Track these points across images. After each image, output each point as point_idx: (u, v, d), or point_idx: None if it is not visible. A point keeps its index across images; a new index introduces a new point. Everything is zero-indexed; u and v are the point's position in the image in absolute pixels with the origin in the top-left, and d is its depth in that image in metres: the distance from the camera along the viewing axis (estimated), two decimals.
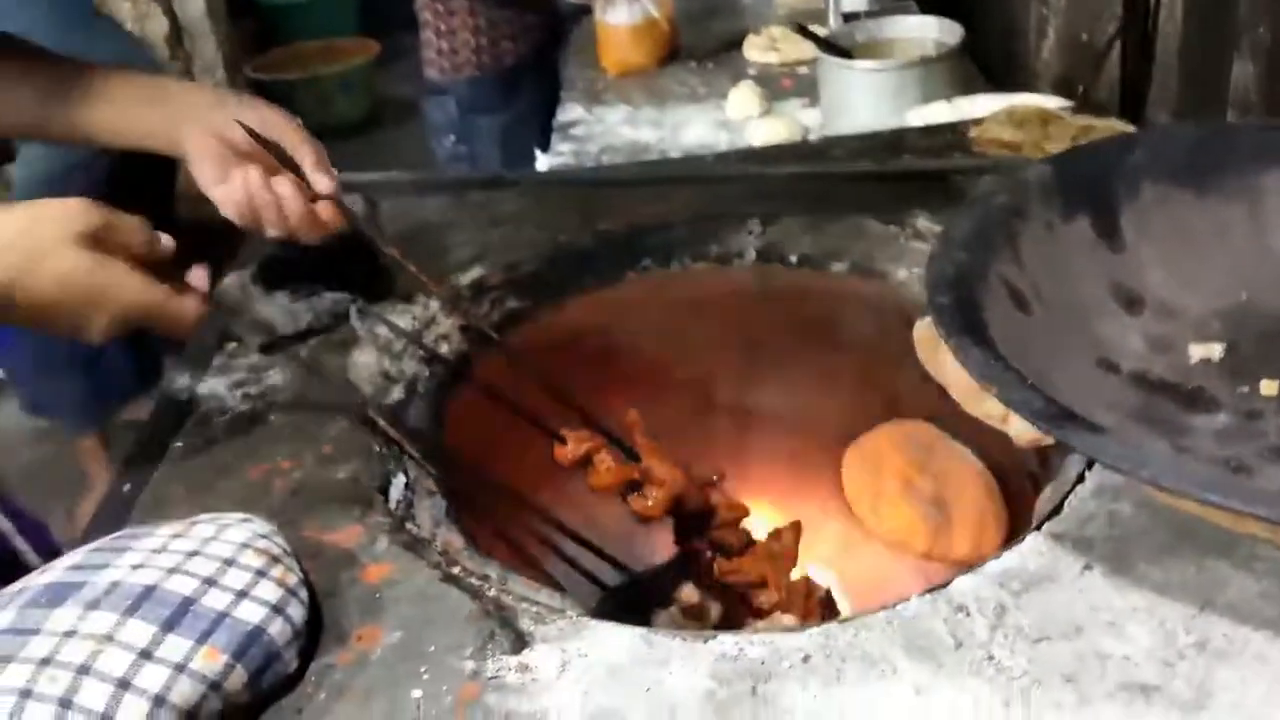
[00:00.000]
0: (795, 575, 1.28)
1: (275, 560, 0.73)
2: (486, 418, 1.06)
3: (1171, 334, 0.92)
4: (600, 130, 2.00)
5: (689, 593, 1.14)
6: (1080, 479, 0.85)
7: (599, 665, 0.71)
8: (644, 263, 1.20)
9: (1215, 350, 0.90)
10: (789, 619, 1.17)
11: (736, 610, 1.18)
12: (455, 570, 0.80)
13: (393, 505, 0.88)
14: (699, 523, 1.18)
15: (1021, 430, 1.24)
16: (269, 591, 0.70)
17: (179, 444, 0.96)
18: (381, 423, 0.89)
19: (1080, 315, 0.91)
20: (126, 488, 0.92)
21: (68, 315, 0.81)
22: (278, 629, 0.69)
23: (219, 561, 0.71)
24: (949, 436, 1.37)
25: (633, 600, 1.11)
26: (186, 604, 0.68)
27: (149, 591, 0.68)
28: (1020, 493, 1.30)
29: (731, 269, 1.20)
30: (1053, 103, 1.58)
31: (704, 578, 1.18)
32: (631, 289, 1.20)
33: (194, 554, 0.71)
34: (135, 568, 0.70)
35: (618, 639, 0.73)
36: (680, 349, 1.28)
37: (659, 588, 1.14)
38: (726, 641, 0.73)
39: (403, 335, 1.01)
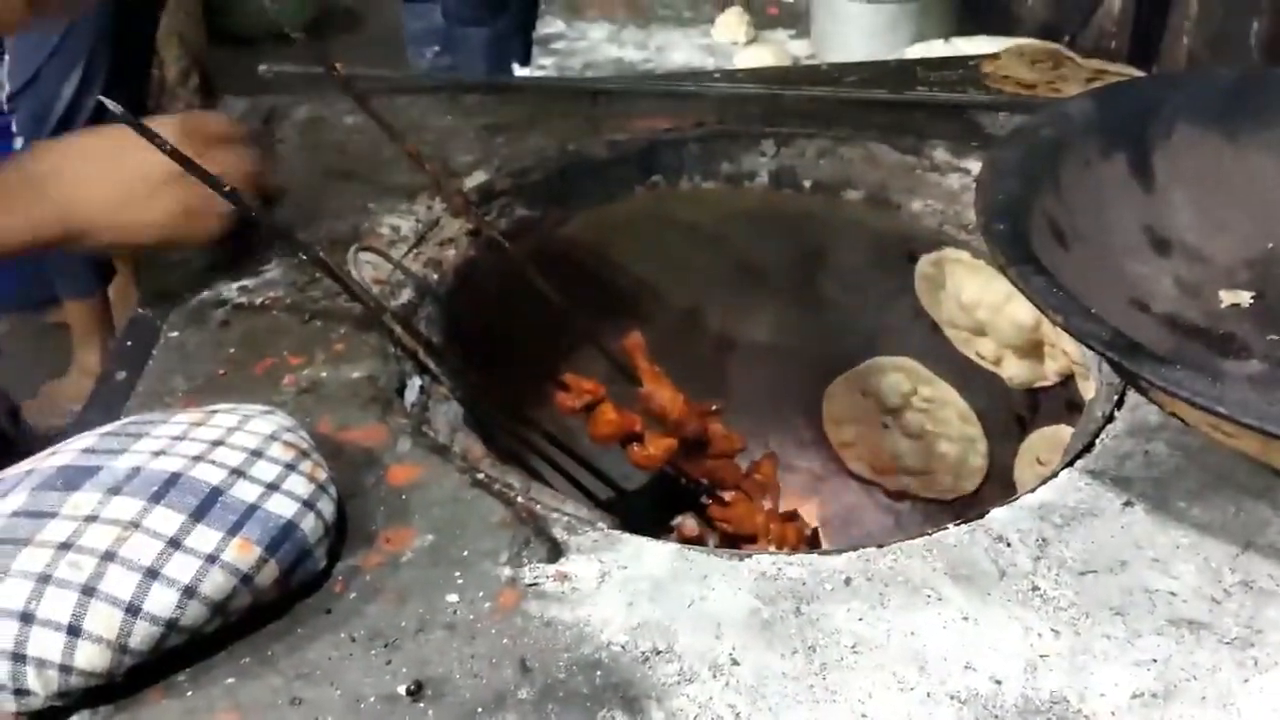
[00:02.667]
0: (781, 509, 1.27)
1: (304, 454, 0.69)
2: (490, 329, 1.03)
3: (1201, 279, 0.91)
4: (583, 46, 1.95)
5: (689, 526, 1.12)
6: (1110, 418, 0.84)
7: (640, 578, 0.69)
8: (654, 178, 1.16)
9: (1244, 297, 0.90)
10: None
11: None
12: (480, 475, 0.77)
13: (408, 408, 0.84)
14: (695, 450, 1.16)
15: (1014, 373, 1.25)
16: (300, 486, 0.67)
17: (174, 334, 0.91)
18: (398, 330, 0.85)
19: (1114, 254, 0.90)
20: (121, 375, 0.87)
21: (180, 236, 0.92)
22: (309, 525, 0.66)
23: (245, 452, 0.67)
24: (935, 376, 1.37)
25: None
26: (215, 494, 0.64)
27: (174, 479, 0.64)
28: (1004, 434, 1.31)
29: (742, 190, 1.17)
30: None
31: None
32: (638, 205, 1.17)
33: (218, 443, 0.67)
34: (156, 454, 0.66)
35: (654, 553, 0.71)
36: (678, 272, 1.25)
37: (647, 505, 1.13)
38: (764, 561, 0.71)
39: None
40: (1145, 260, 0.92)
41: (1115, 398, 0.86)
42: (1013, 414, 1.29)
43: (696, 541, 1.12)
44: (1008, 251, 0.75)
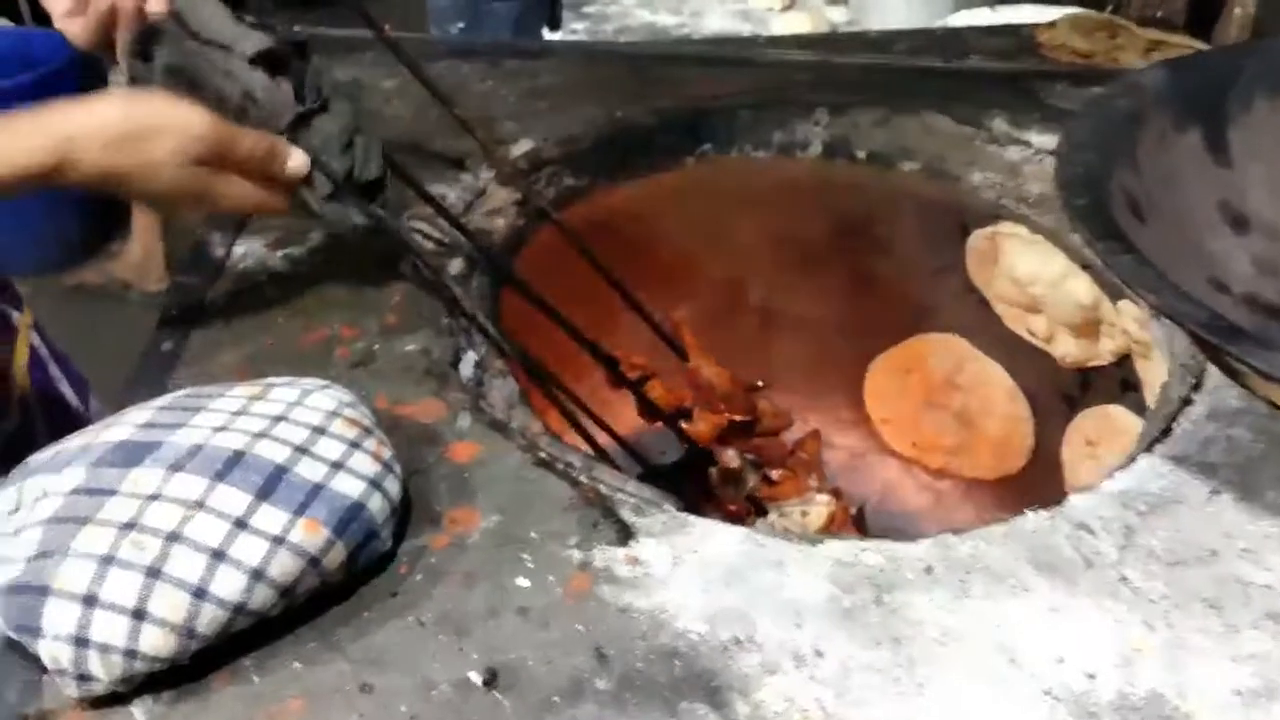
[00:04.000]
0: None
1: (367, 431, 0.67)
2: (536, 299, 1.00)
3: (1278, 258, 0.88)
4: (615, 10, 1.91)
5: (729, 457, 1.10)
6: (1187, 401, 0.81)
7: (714, 564, 0.66)
8: (705, 147, 1.13)
9: None
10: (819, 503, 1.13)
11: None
12: (542, 453, 0.74)
13: (464, 383, 0.82)
14: (741, 427, 1.14)
15: (1067, 351, 1.22)
16: (365, 465, 0.64)
17: (219, 305, 0.89)
18: (458, 292, 0.83)
19: (1191, 230, 0.87)
20: (167, 346, 0.84)
21: (170, 208, 0.80)
22: (376, 505, 0.64)
23: (308, 429, 0.65)
24: (981, 353, 1.35)
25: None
26: (280, 472, 0.61)
27: (238, 457, 0.62)
28: (1052, 414, 1.28)
29: (793, 160, 1.14)
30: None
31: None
32: (687, 175, 1.14)
33: (280, 419, 0.65)
34: (217, 430, 0.63)
35: (725, 537, 0.69)
36: (723, 244, 1.22)
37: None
38: (839, 547, 0.69)
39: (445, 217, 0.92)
40: (1222, 237, 0.88)
41: (1192, 380, 0.83)
42: (1061, 393, 1.26)
43: (736, 474, 1.10)
44: (1092, 227, 0.72)
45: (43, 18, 0.92)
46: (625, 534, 0.68)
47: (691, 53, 1.16)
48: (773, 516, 1.09)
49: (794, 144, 1.14)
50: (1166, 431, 0.79)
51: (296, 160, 0.81)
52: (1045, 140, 1.08)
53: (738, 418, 1.13)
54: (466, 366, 0.83)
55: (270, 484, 0.61)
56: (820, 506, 1.09)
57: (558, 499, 0.70)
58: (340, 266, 0.91)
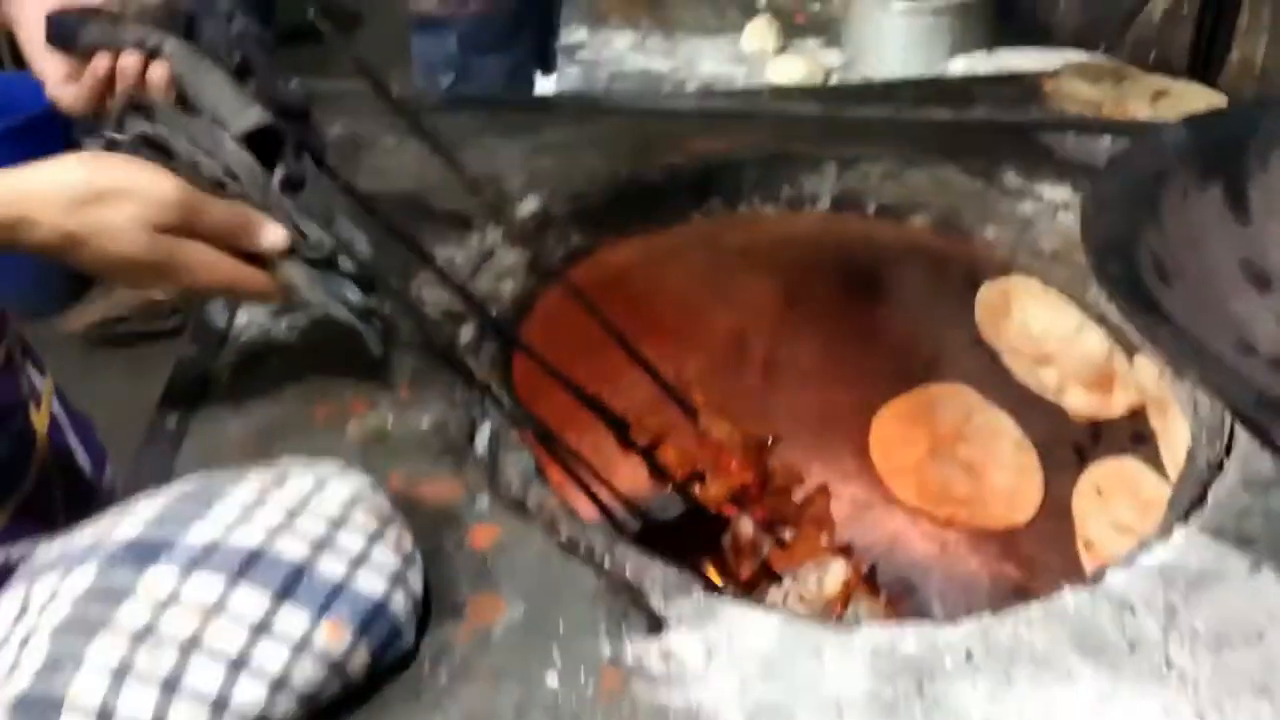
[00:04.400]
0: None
1: (388, 522, 0.64)
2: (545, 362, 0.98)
3: None
4: (608, 55, 1.90)
5: (745, 526, 1.08)
6: (1219, 467, 0.80)
7: (748, 654, 0.64)
8: (712, 202, 1.11)
9: None
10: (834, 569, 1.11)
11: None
12: (563, 535, 0.72)
13: (478, 458, 0.79)
14: (752, 488, 1.12)
15: (1079, 404, 1.21)
16: (387, 559, 0.62)
17: (225, 378, 0.86)
18: (470, 363, 0.80)
19: (1215, 290, 0.86)
20: (173, 424, 0.82)
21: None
22: (399, 603, 0.61)
23: (327, 522, 0.62)
24: (990, 404, 1.33)
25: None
26: (299, 572, 0.59)
27: (255, 555, 0.59)
28: (1062, 465, 1.26)
29: (802, 215, 1.12)
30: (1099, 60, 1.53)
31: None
32: (693, 231, 1.12)
33: (297, 510, 0.62)
34: (232, 526, 0.61)
35: (760, 624, 0.67)
36: (734, 297, 1.20)
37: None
38: (876, 633, 0.67)
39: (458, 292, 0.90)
40: (1246, 296, 0.87)
41: (1221, 445, 0.82)
42: (1071, 444, 1.24)
43: (752, 545, 1.08)
44: (1128, 298, 0.71)
45: (21, 60, 0.89)
46: (656, 624, 0.65)
47: (696, 107, 1.14)
48: (788, 583, 1.07)
49: (802, 198, 1.12)
50: (1200, 500, 0.77)
51: (274, 234, 0.77)
52: (1057, 194, 1.07)
53: (749, 479, 1.11)
54: (481, 440, 0.80)
55: (290, 584, 0.58)
56: (835, 571, 1.07)
57: (584, 586, 0.67)
58: (347, 334, 0.89)
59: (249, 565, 0.59)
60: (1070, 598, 0.70)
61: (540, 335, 1.00)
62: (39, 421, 0.95)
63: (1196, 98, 1.21)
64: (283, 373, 0.86)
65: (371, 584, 0.60)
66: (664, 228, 1.10)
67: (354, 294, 0.79)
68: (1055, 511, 1.26)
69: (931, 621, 0.69)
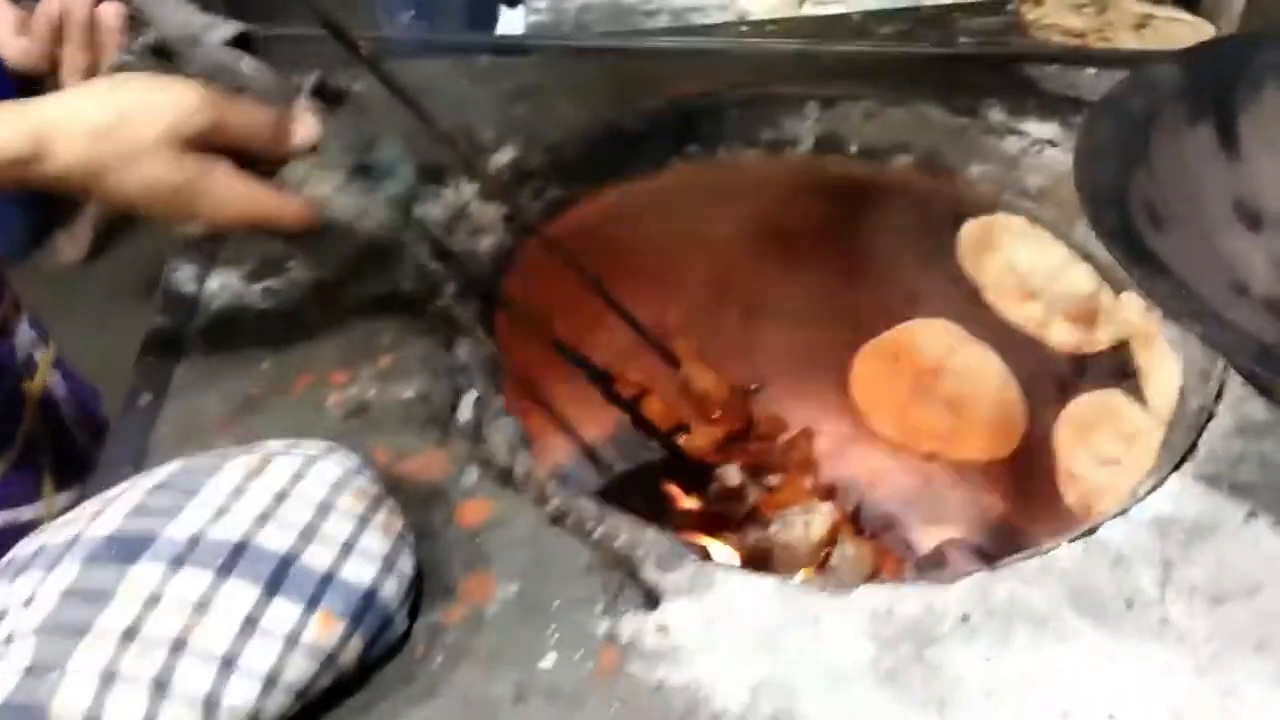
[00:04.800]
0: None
1: (377, 503, 0.63)
2: (528, 319, 0.96)
3: None
4: None
5: (730, 475, 1.08)
6: (1210, 414, 0.79)
7: (746, 625, 0.63)
8: (691, 148, 1.09)
9: None
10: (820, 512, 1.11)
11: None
12: (553, 505, 0.71)
13: (463, 427, 0.78)
14: (737, 436, 1.11)
15: (1063, 338, 1.20)
16: (376, 543, 0.61)
17: (199, 349, 0.84)
18: (467, 321, 0.78)
19: (1207, 231, 0.85)
20: (145, 399, 0.80)
21: (158, 214, 0.72)
22: (391, 588, 0.60)
23: (313, 507, 0.61)
24: (972, 339, 1.32)
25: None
26: (286, 562, 0.58)
27: (241, 548, 0.58)
28: (1045, 400, 1.26)
29: (783, 158, 1.10)
30: None
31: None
32: (673, 177, 1.10)
33: (282, 497, 0.61)
34: (216, 515, 0.59)
35: (755, 591, 0.66)
36: (715, 240, 1.18)
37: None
38: (873, 595, 0.66)
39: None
40: (1238, 236, 0.86)
41: (1214, 390, 0.81)
42: (1055, 379, 1.24)
43: (737, 494, 1.08)
44: (1126, 249, 0.69)
45: None
46: (652, 598, 0.64)
47: (674, 46, 1.11)
48: (775, 528, 1.06)
49: (784, 140, 1.10)
50: (1193, 447, 0.76)
51: (308, 127, 0.75)
52: (1043, 130, 1.05)
53: (733, 427, 1.10)
54: (465, 409, 0.79)
55: (278, 575, 0.57)
56: (821, 515, 1.07)
57: (577, 561, 0.66)
58: (324, 299, 0.87)
59: (235, 558, 0.57)
60: (1065, 551, 0.69)
61: (520, 290, 0.98)
62: (32, 388, 0.93)
63: (1181, 26, 1.19)
64: (258, 341, 0.84)
65: (362, 571, 0.59)
66: (643, 175, 1.07)
67: (389, 206, 0.76)
68: (1038, 444, 1.26)
69: (928, 581, 0.68)
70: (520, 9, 1.87)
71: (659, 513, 1.10)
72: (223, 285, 0.90)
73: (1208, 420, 0.78)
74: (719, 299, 1.28)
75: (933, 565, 1.35)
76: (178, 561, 0.57)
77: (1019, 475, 1.33)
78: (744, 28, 1.22)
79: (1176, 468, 0.75)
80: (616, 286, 1.03)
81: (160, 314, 0.88)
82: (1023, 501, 1.34)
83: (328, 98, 0.76)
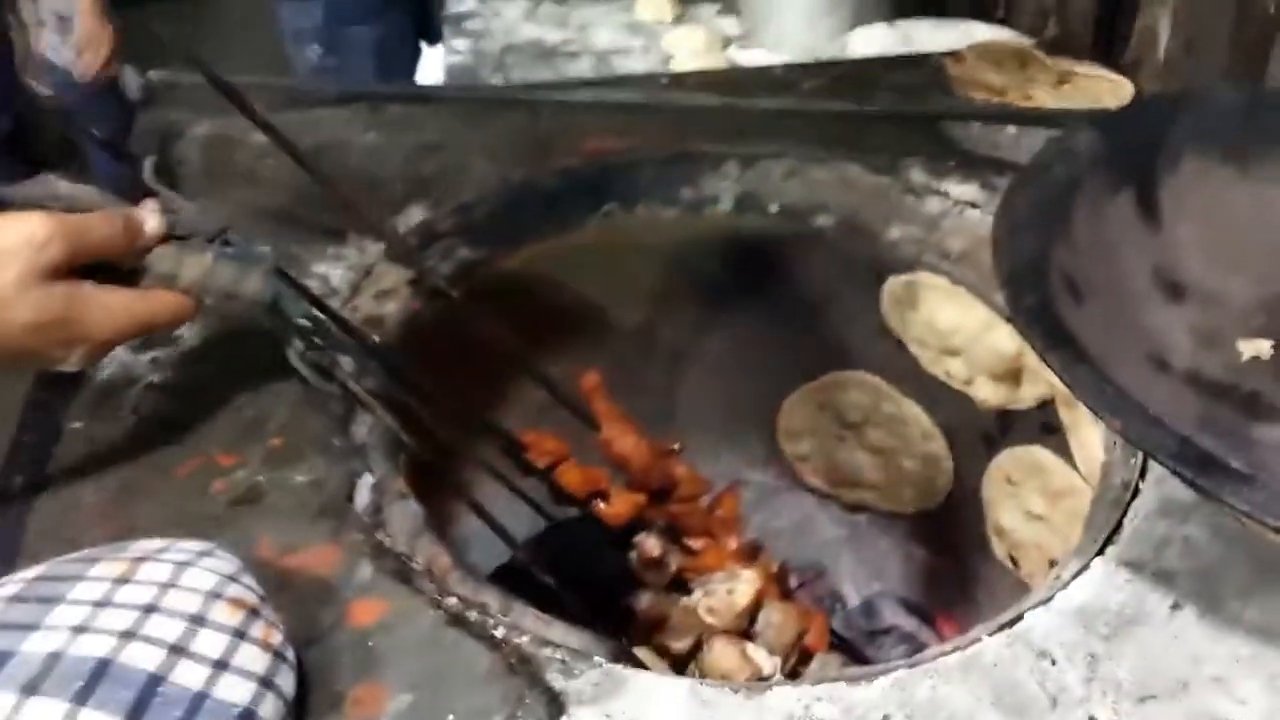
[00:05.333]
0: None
1: (254, 613, 0.58)
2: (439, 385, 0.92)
3: (1216, 326, 0.85)
4: (499, 26, 1.81)
5: (650, 545, 1.04)
6: (1135, 492, 0.77)
7: None
8: (608, 207, 1.06)
9: (1264, 347, 0.83)
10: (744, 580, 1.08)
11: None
12: (453, 602, 0.67)
13: (360, 513, 0.73)
14: (658, 496, 1.08)
15: (988, 395, 1.19)
16: (253, 659, 0.56)
17: (77, 425, 0.79)
18: (355, 388, 0.74)
19: (1127, 303, 0.83)
20: (18, 480, 0.74)
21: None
22: (269, 709, 0.55)
23: (184, 620, 0.56)
24: (897, 392, 1.31)
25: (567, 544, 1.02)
26: (153, 683, 0.53)
27: (103, 668, 0.53)
28: (972, 454, 1.25)
29: (702, 217, 1.07)
30: (1004, 34, 1.50)
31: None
32: (590, 234, 1.06)
33: (150, 609, 0.56)
34: (77, 631, 0.54)
35: (666, 695, 0.62)
36: (631, 294, 1.16)
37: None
38: (788, 698, 0.63)
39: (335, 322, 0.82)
40: (1159, 307, 0.84)
41: (1137, 465, 0.79)
42: (980, 433, 1.23)
43: (658, 563, 1.04)
44: (1042, 335, 0.67)
45: None
46: (556, 706, 0.61)
47: (591, 100, 1.08)
48: (698, 596, 1.03)
49: (703, 200, 1.07)
50: (1118, 529, 0.74)
51: (155, 217, 0.70)
52: (963, 191, 1.03)
53: (654, 490, 1.07)
54: (363, 493, 0.74)
55: (143, 700, 0.52)
56: (745, 584, 1.04)
57: (476, 667, 0.62)
58: (216, 372, 0.82)
59: (96, 680, 0.52)
60: (989, 646, 0.67)
61: (431, 357, 0.94)
62: None
63: (1101, 83, 1.19)
64: (144, 420, 0.79)
65: (237, 691, 0.54)
66: (558, 233, 1.04)
67: (259, 280, 0.72)
68: (965, 497, 1.25)
69: (846, 679, 0.65)
70: (439, 48, 1.84)
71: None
72: (109, 356, 0.84)
73: (1132, 498, 0.77)
74: (641, 356, 1.25)
75: (864, 618, 1.33)
76: (32, 688, 0.52)
77: (948, 526, 1.31)
78: (664, 80, 1.19)
79: (1100, 552, 0.73)
80: (533, 348, 1.00)
81: (38, 386, 0.82)
82: (952, 552, 1.33)
83: (166, 174, 0.72)
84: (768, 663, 0.93)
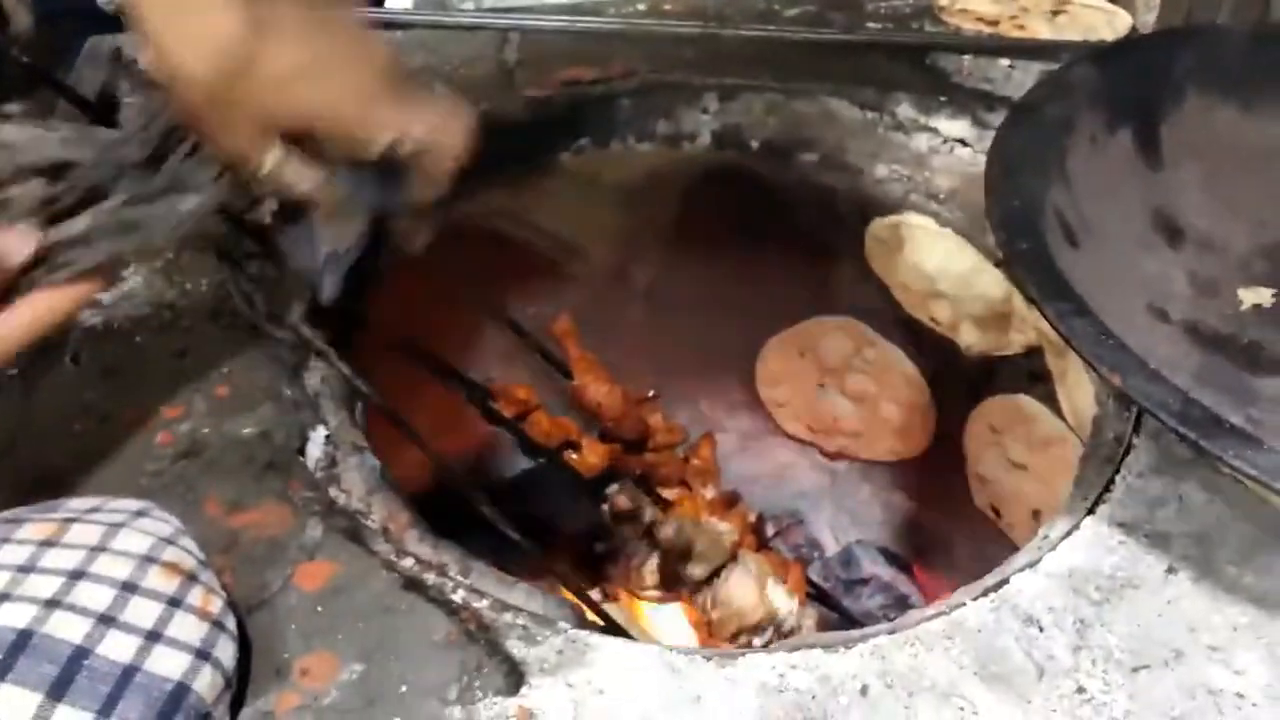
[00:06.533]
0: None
1: (191, 579, 0.54)
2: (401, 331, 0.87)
3: (1216, 274, 0.81)
4: None
5: (622, 500, 1.01)
6: (1129, 447, 0.74)
7: (623, 709, 0.56)
8: (581, 142, 1.00)
9: (1265, 295, 0.80)
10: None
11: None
12: (409, 564, 0.63)
13: (312, 467, 0.69)
14: (632, 445, 1.04)
15: (972, 341, 1.15)
16: (189, 629, 0.52)
17: (12, 373, 0.74)
18: (308, 334, 0.69)
19: (1125, 247, 0.79)
20: None
21: None
22: (205, 682, 0.51)
23: (115, 587, 0.52)
24: (880, 337, 1.27)
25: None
26: (79, 656, 0.49)
27: (24, 640, 0.49)
28: (955, 400, 1.22)
29: (680, 153, 1.02)
30: None
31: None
32: (563, 170, 1.01)
33: (79, 574, 0.52)
34: None
35: (633, 663, 0.59)
36: (606, 234, 1.11)
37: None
38: (762, 665, 0.60)
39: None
40: (1157, 252, 0.81)
41: (1130, 418, 0.76)
42: (965, 379, 1.19)
43: (630, 515, 1.01)
44: (1040, 283, 0.63)
45: None
46: (515, 675, 0.57)
47: (561, 26, 1.02)
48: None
49: (680, 135, 1.02)
50: (1109, 485, 0.71)
51: (21, 251, 0.57)
52: (953, 127, 0.99)
53: (628, 439, 1.03)
54: (315, 446, 0.70)
55: (67, 675, 0.48)
56: (724, 536, 1.00)
57: (432, 634, 0.59)
58: (160, 317, 0.77)
59: (16, 653, 0.48)
60: (972, 610, 0.63)
61: (385, 301, 0.89)
62: None
63: (1098, 14, 1.14)
64: (85, 368, 0.74)
65: (170, 664, 0.51)
66: (529, 170, 0.99)
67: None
68: (947, 444, 1.22)
69: (822, 645, 0.62)
70: None
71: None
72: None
73: (1125, 454, 0.73)
74: (616, 297, 1.21)
75: (842, 567, 1.30)
76: None
77: (928, 475, 1.29)
78: (640, 5, 1.13)
79: (1091, 511, 0.69)
80: (502, 290, 0.95)
81: None
82: (932, 501, 1.31)
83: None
84: (784, 604, 0.89)
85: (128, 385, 0.72)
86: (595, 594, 1.00)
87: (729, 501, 1.16)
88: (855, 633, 0.63)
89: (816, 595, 1.09)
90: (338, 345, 0.76)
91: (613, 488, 0.96)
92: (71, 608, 0.50)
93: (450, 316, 0.91)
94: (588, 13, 1.10)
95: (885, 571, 1.27)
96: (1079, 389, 0.97)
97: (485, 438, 0.98)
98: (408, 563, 0.63)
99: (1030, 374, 1.08)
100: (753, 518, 1.16)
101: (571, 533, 1.03)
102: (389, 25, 1.09)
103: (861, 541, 1.34)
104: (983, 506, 1.16)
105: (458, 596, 0.61)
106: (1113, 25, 1.14)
